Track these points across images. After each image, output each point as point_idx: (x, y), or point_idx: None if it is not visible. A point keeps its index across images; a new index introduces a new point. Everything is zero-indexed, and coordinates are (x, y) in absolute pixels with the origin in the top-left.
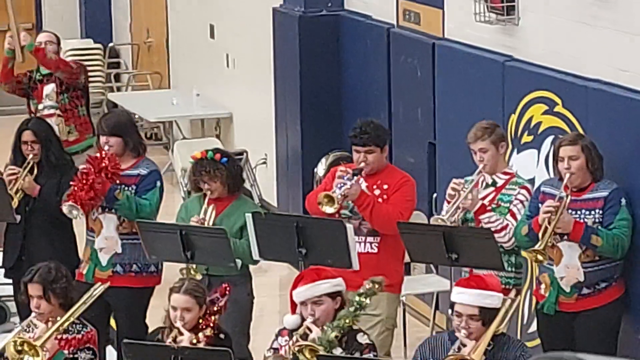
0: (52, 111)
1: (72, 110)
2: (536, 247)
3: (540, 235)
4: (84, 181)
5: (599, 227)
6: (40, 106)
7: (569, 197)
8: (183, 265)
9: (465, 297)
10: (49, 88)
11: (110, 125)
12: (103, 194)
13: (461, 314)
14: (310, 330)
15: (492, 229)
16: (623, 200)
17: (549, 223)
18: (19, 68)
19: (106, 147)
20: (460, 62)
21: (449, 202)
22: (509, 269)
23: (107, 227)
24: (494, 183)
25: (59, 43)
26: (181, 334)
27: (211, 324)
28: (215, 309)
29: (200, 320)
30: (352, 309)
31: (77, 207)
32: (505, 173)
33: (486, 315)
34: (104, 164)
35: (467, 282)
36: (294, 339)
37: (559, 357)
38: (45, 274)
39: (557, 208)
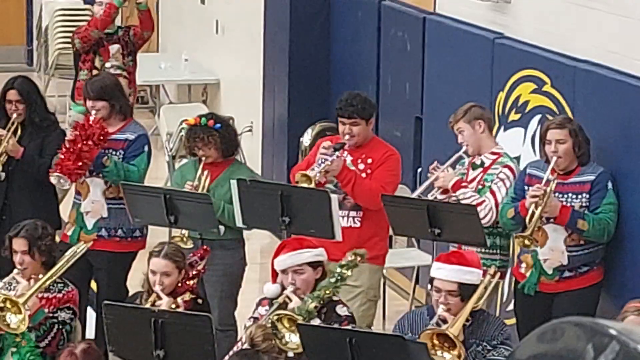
0: (118, 71)
1: (134, 74)
2: (524, 232)
3: (527, 220)
4: (71, 150)
5: (586, 212)
6: (107, 64)
7: (556, 180)
8: (172, 232)
9: (445, 273)
10: (115, 48)
11: (96, 89)
12: (90, 161)
13: (440, 289)
14: (290, 299)
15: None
16: (610, 184)
17: (536, 208)
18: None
19: (93, 112)
20: (451, 38)
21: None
22: (495, 250)
23: (94, 190)
24: (482, 164)
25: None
26: (160, 298)
27: (190, 289)
28: (194, 272)
29: (179, 285)
30: (332, 280)
31: (64, 177)
32: (493, 153)
33: (465, 291)
34: (91, 131)
35: (446, 257)
36: (273, 307)
37: (578, 322)
38: (32, 230)
39: (544, 192)
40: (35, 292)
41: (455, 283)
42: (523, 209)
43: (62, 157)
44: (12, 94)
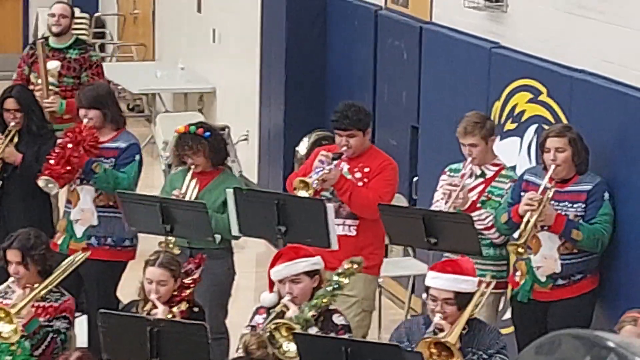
0: (51, 88)
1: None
2: (518, 241)
3: (522, 227)
4: (61, 155)
5: (581, 222)
6: (39, 80)
7: (553, 189)
8: (161, 239)
9: (440, 282)
10: (53, 64)
11: (89, 98)
12: (80, 167)
13: (436, 298)
14: (288, 308)
15: (483, 226)
16: (606, 195)
17: (531, 216)
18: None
19: (85, 120)
20: (447, 47)
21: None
22: (502, 261)
23: (84, 198)
24: (482, 174)
25: (72, 16)
26: (155, 307)
27: (186, 298)
28: (189, 281)
29: (175, 294)
30: (329, 288)
31: (52, 181)
32: (495, 164)
33: (461, 299)
34: (82, 137)
35: (442, 266)
36: (271, 316)
37: (577, 334)
38: (25, 240)
39: (540, 202)
40: (30, 301)
41: (451, 292)
42: (515, 215)
43: (52, 160)
44: (10, 103)
